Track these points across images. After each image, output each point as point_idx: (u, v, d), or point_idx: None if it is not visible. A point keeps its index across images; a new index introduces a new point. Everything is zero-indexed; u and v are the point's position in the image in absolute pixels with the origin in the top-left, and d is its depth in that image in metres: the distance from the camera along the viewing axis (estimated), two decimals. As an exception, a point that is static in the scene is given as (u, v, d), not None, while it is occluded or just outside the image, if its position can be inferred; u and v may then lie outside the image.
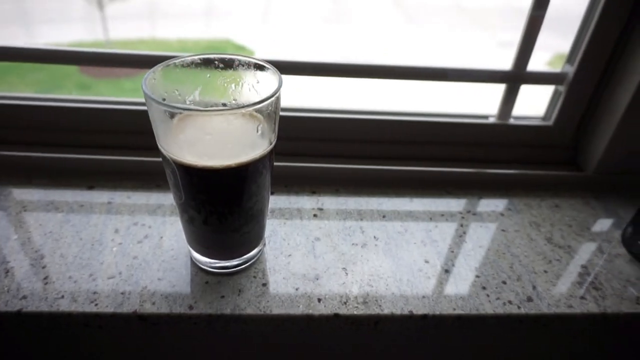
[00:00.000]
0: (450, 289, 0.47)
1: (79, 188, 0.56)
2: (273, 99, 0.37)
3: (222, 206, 0.41)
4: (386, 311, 0.45)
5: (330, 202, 0.58)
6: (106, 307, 0.43)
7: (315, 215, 0.56)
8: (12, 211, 0.52)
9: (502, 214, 0.58)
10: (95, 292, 0.44)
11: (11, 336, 0.50)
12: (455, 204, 0.59)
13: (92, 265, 0.46)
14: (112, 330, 0.47)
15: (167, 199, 0.56)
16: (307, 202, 0.58)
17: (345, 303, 0.45)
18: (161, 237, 0.50)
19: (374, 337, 0.52)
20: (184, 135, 0.39)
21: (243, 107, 0.36)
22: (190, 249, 0.47)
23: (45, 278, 0.45)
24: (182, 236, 0.51)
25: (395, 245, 0.52)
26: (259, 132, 0.39)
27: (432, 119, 0.63)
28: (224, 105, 0.43)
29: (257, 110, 0.37)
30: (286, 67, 0.56)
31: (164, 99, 0.40)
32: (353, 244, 0.52)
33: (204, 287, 0.45)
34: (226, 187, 0.39)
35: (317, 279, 0.47)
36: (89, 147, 0.59)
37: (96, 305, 0.43)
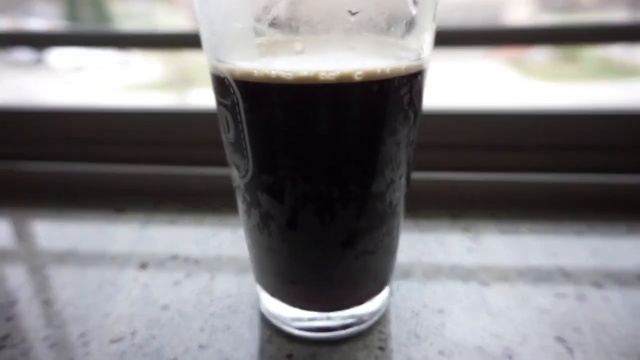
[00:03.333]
0: None
1: (104, 210, 0.38)
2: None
3: (328, 182, 0.20)
4: None
5: (487, 231, 0.35)
6: (93, 398, 0.21)
7: (470, 250, 0.32)
8: (9, 235, 0.35)
9: None
10: (81, 368, 0.23)
11: None
12: None
13: (90, 317, 0.26)
14: None
15: (226, 224, 0.36)
16: (447, 229, 0.35)
17: (594, 414, 0.20)
18: (212, 278, 0.30)
19: None
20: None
21: None
22: (261, 292, 0.26)
23: (5, 338, 0.25)
24: (247, 277, 0.30)
25: (643, 299, 0.27)
26: (414, 5, 0.19)
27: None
28: None
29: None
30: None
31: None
32: (557, 294, 0.28)
33: (284, 366, 0.23)
34: (341, 133, 0.19)
35: (511, 358, 0.23)
36: (119, 162, 0.42)
37: (76, 393, 0.22)
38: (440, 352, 0.23)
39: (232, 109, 0.19)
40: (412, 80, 0.19)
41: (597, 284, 0.28)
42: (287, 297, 0.24)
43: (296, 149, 0.19)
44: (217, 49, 0.20)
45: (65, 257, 0.32)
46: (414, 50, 0.19)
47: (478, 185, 0.38)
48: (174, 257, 0.32)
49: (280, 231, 0.21)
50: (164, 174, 0.40)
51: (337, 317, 0.24)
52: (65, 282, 0.29)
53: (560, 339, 0.24)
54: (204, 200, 0.39)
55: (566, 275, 0.29)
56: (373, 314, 0.25)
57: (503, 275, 0.29)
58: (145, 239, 0.34)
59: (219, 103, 0.21)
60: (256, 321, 0.26)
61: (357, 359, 0.23)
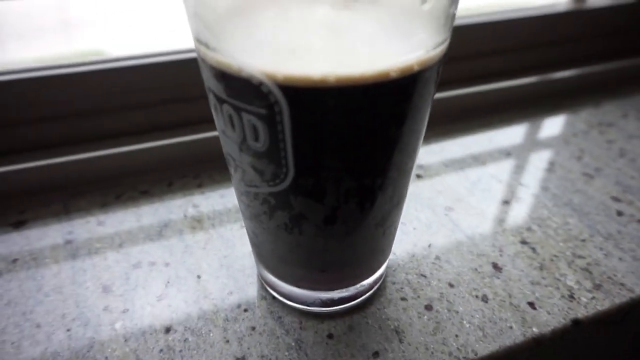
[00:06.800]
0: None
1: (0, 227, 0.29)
2: None
3: (373, 175, 0.19)
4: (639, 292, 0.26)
5: (427, 155, 0.38)
6: None
7: (421, 177, 0.35)
8: None
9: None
10: None
11: None
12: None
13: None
14: None
15: (170, 208, 0.31)
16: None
17: (571, 297, 0.26)
18: (199, 277, 0.27)
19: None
20: (274, 19, 0.16)
21: None
22: (277, 281, 0.24)
23: None
24: (235, 264, 0.28)
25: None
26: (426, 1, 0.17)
27: (474, 20, 0.44)
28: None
29: None
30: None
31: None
32: (503, 201, 0.33)
33: (328, 347, 0.23)
34: (393, 128, 0.17)
35: (501, 270, 0.27)
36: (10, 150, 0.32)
37: None
38: (450, 285, 0.26)
39: (268, 117, 0.16)
40: (442, 59, 0.18)
41: (524, 185, 0.34)
42: (313, 283, 0.23)
43: (349, 150, 0.17)
44: (246, 41, 0.15)
45: (-13, 308, 0.25)
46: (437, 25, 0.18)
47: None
48: (136, 266, 0.27)
49: (315, 228, 0.20)
50: (71, 162, 0.32)
51: (361, 286, 0.25)
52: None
53: (524, 242, 0.29)
54: (127, 185, 0.33)
55: (499, 181, 0.35)
56: (385, 269, 0.26)
57: (457, 196, 0.33)
58: (82, 253, 0.28)
59: (236, 108, 0.17)
60: (277, 312, 0.25)
61: (388, 315, 0.25)
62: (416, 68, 0.16)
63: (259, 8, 0.16)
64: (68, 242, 0.29)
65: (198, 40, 0.17)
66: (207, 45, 0.16)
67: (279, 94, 0.15)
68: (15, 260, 0.27)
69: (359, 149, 0.17)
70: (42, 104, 0.32)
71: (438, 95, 0.41)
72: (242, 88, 0.16)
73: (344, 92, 0.15)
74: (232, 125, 0.18)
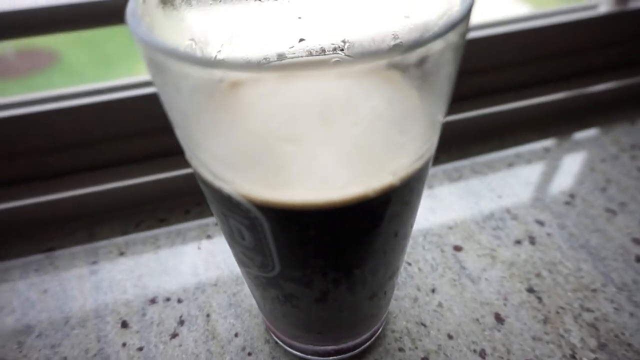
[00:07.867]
0: None
1: (31, 254, 0.32)
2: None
3: (359, 267, 0.19)
4: (643, 353, 0.26)
5: (437, 181, 0.37)
6: None
7: (433, 210, 0.35)
8: None
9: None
10: None
11: None
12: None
13: (104, 414, 0.24)
14: None
15: (185, 238, 0.33)
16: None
17: (573, 357, 0.26)
18: (207, 316, 0.28)
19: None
20: (250, 138, 0.16)
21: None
22: (274, 330, 0.26)
23: None
24: (242, 303, 0.29)
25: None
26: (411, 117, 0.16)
27: (497, 30, 0.41)
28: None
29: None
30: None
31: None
32: (515, 242, 0.32)
33: (326, 399, 0.24)
34: (369, 233, 0.17)
35: (503, 322, 0.27)
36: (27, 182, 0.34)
37: None
38: (449, 336, 0.27)
39: (251, 226, 0.17)
40: (431, 159, 0.18)
41: (540, 222, 0.33)
42: (310, 340, 0.25)
43: (332, 253, 0.18)
44: (221, 165, 0.16)
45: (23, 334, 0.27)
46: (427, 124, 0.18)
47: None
48: (153, 301, 0.29)
49: (308, 304, 0.21)
50: (96, 192, 0.34)
51: (359, 338, 0.25)
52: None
53: (530, 290, 0.29)
54: (146, 213, 0.35)
55: (514, 217, 0.34)
56: (385, 318, 0.27)
57: (468, 233, 0.33)
58: (104, 284, 0.30)
59: (222, 212, 0.17)
60: (279, 358, 0.26)
61: (384, 367, 0.26)
62: (397, 184, 0.16)
63: (235, 126, 0.16)
64: (93, 272, 0.31)
65: (183, 147, 0.17)
66: (190, 158, 0.17)
67: (258, 213, 0.16)
68: (45, 291, 0.30)
69: (343, 251, 0.18)
70: (69, 134, 0.33)
71: (452, 117, 0.39)
72: (223, 200, 0.16)
73: (323, 213, 0.16)
74: (222, 221, 0.18)
